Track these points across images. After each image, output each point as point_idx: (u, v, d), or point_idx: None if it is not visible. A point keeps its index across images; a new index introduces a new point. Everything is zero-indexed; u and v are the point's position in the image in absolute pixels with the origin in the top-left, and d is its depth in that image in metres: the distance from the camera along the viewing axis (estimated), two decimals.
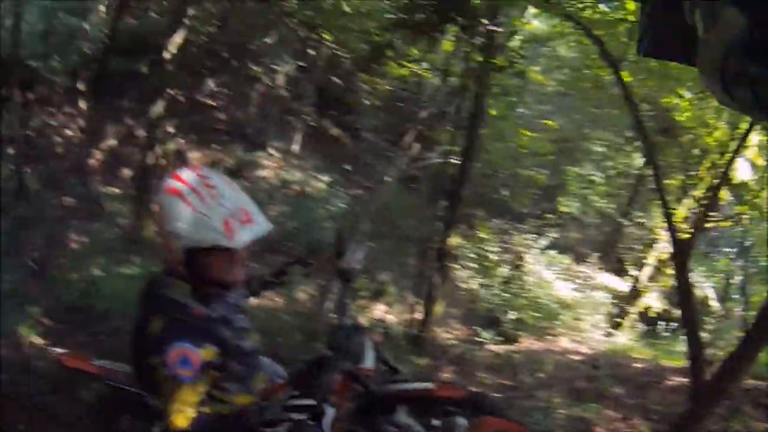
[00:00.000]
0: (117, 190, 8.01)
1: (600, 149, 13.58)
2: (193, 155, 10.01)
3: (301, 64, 12.10)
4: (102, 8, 9.89)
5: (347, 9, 10.25)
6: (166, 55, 8.22)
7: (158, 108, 8.28)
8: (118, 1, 9.56)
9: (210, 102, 11.06)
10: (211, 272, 2.19)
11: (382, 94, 13.20)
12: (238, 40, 10.05)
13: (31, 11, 8.58)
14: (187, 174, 2.21)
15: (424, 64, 11.49)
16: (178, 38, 8.28)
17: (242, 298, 2.50)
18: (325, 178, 13.28)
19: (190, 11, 8.58)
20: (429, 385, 2.76)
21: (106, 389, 2.95)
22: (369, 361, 2.63)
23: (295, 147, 12.93)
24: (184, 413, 2.05)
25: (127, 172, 8.30)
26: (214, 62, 9.92)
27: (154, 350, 2.05)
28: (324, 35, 11.13)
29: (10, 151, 7.17)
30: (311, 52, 11.91)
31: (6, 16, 7.94)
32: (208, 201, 2.09)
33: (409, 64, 10.77)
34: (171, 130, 8.99)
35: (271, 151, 12.52)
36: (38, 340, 5.07)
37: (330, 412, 2.34)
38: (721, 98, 0.67)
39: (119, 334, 5.47)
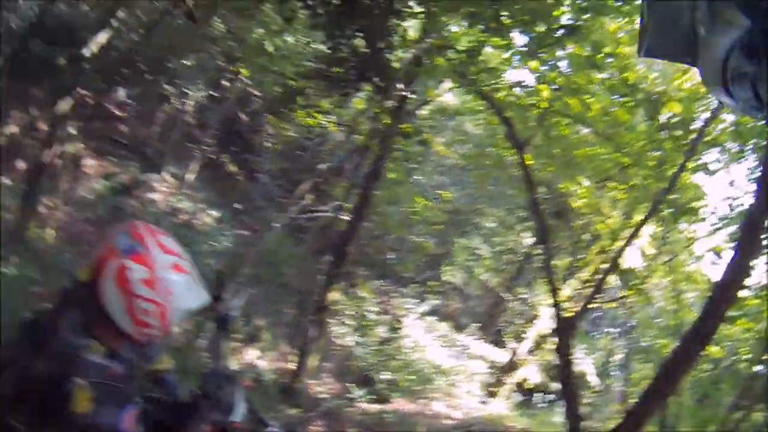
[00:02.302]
0: (8, 182, 7.23)
1: (491, 225, 14.22)
2: (89, 163, 9.34)
3: (213, 93, 11.83)
4: None
5: (270, 49, 10.21)
6: (86, 53, 7.72)
7: (65, 105, 7.68)
8: None
9: (117, 112, 10.45)
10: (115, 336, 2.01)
11: (285, 139, 13.16)
12: (159, 56, 9.66)
13: None
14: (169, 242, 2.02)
15: (333, 118, 11.58)
16: (102, 38, 7.84)
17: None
18: (215, 213, 12.81)
19: (120, 13, 8.19)
20: None
21: None
22: (239, 414, 2.51)
23: (190, 176, 12.44)
24: None
25: (22, 165, 7.55)
26: (130, 72, 9.43)
27: (96, 425, 1.85)
28: (242, 70, 11.02)
29: None
30: (225, 83, 11.74)
31: None
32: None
33: (317, 115, 10.79)
34: (73, 131, 8.36)
35: (166, 175, 11.96)
36: None
37: None
38: (722, 98, 0.68)
39: None
